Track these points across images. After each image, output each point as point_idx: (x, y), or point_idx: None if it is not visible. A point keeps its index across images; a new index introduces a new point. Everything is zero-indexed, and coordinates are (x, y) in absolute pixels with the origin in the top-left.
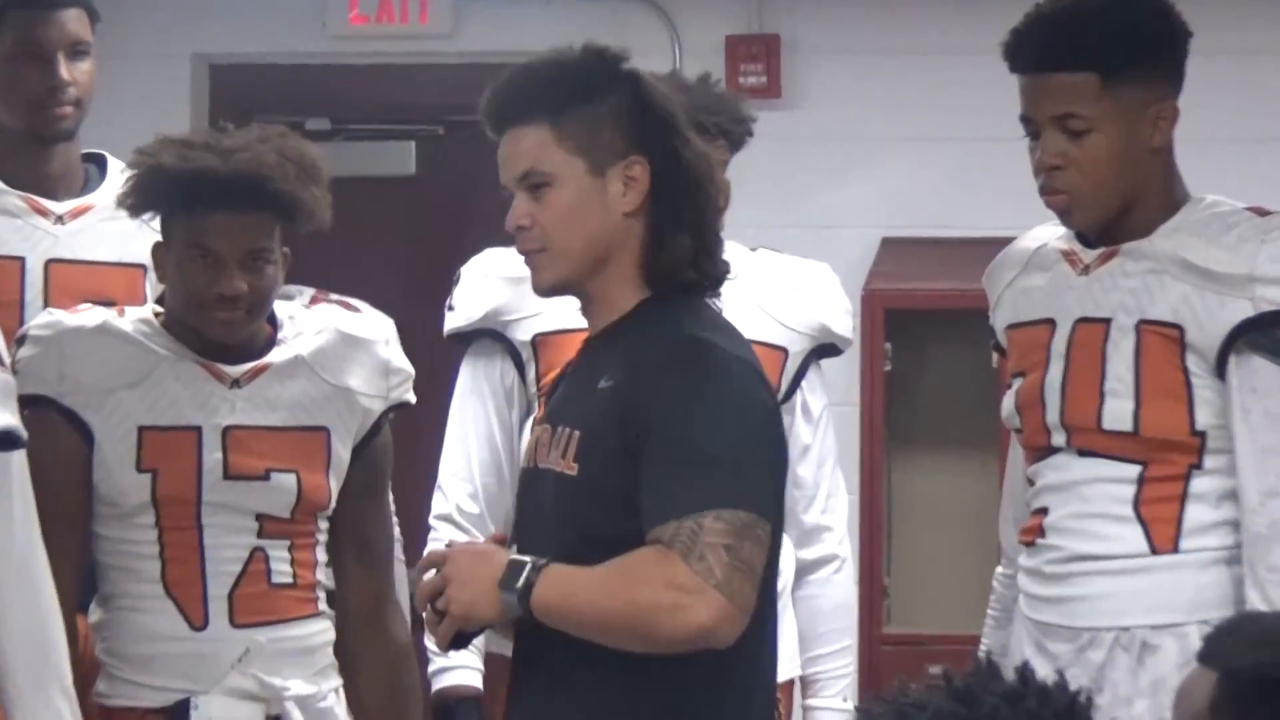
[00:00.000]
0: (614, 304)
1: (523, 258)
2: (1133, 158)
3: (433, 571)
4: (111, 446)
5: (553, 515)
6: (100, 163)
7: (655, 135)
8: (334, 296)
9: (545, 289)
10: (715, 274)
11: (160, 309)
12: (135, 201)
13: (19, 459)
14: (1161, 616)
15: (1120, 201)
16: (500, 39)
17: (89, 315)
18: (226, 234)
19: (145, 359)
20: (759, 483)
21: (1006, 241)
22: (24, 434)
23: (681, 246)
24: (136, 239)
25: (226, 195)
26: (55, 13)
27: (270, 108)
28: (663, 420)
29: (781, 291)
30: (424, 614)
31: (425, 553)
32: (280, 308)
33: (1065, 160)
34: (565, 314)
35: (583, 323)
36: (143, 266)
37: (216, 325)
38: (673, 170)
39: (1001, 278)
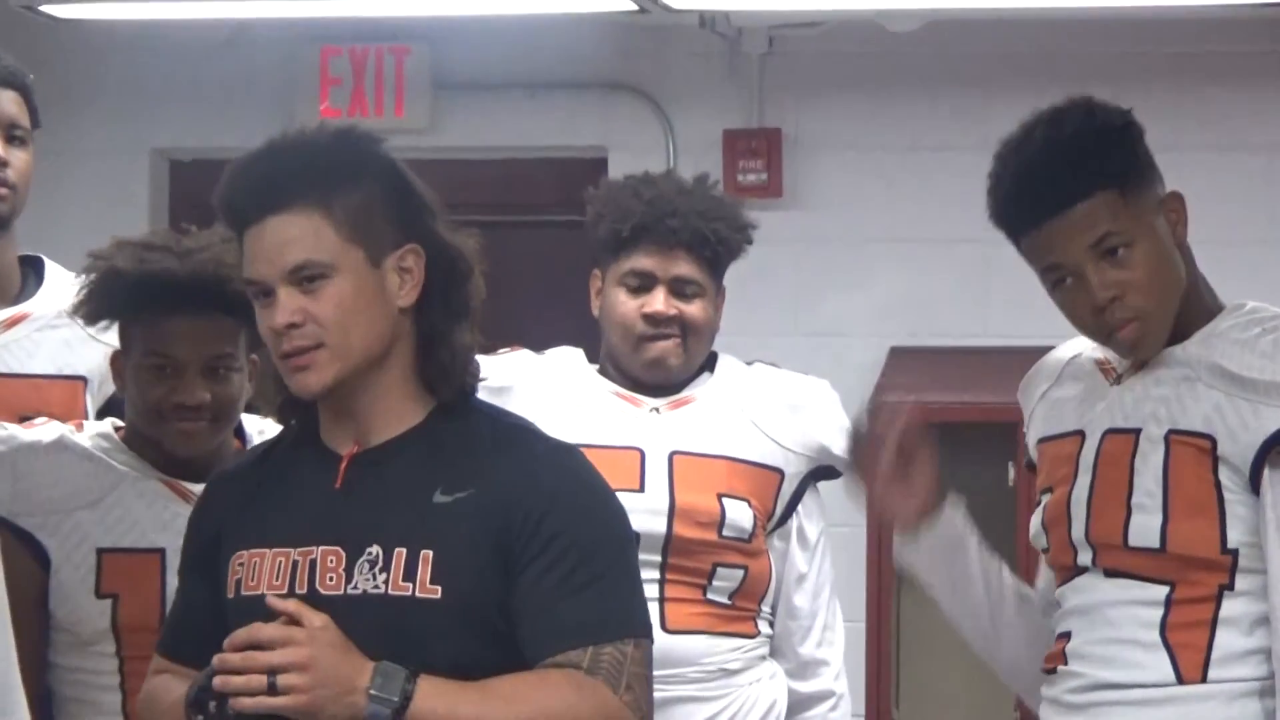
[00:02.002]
0: (395, 412)
1: (285, 360)
2: (1172, 259)
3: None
4: (69, 570)
5: (394, 643)
6: (37, 266)
7: (423, 222)
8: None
9: (318, 391)
10: (475, 377)
11: (120, 423)
12: (90, 309)
13: None
14: None
15: (1174, 310)
16: (481, 133)
17: (45, 430)
18: (186, 340)
19: (105, 476)
20: (646, 605)
21: (1020, 351)
22: None
23: (461, 342)
24: (76, 349)
25: (185, 299)
26: None
27: None
28: (552, 537)
29: (778, 410)
30: (218, 681)
31: (253, 627)
32: (249, 421)
33: (1121, 286)
34: None
35: None
36: (83, 379)
37: (177, 437)
38: (444, 261)
39: (1035, 391)
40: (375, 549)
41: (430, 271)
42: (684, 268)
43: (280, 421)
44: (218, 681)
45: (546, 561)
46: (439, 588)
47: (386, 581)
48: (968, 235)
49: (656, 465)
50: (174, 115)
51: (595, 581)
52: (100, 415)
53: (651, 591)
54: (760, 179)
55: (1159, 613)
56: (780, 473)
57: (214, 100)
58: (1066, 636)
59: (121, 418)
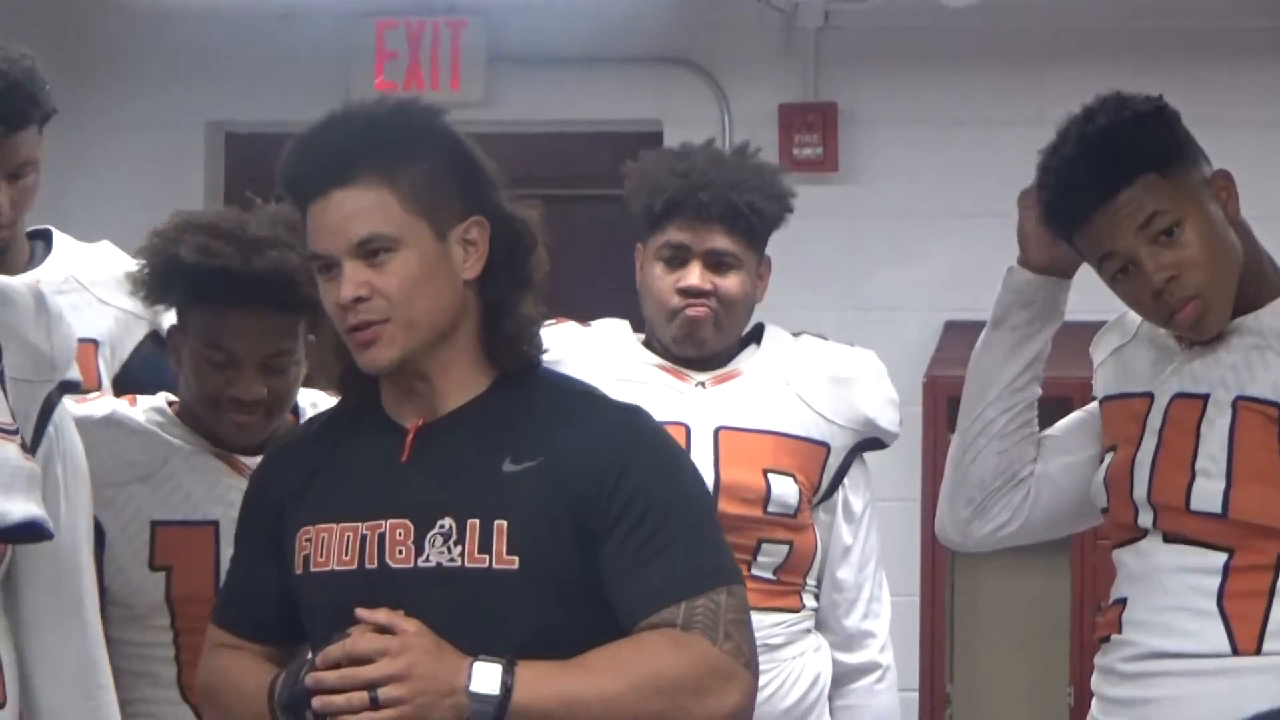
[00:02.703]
0: (460, 383)
1: (351, 334)
2: (1225, 237)
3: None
4: (123, 544)
5: (475, 616)
6: (46, 238)
7: (486, 194)
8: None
9: (386, 366)
10: (539, 348)
11: (173, 398)
12: (149, 295)
13: (87, 551)
14: None
15: (1235, 284)
16: (537, 107)
17: (97, 405)
18: (246, 336)
19: (157, 450)
20: (731, 553)
21: (1075, 325)
22: (50, 526)
23: (526, 315)
24: (84, 313)
25: (248, 295)
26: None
27: None
28: (630, 500)
29: (824, 383)
30: (318, 703)
31: (347, 642)
32: (303, 395)
33: (1176, 266)
34: None
35: None
36: (95, 342)
37: (232, 428)
38: (508, 233)
39: (1108, 344)
40: (447, 521)
41: (494, 243)
42: (719, 240)
43: (340, 394)
44: (317, 703)
45: (627, 525)
46: (516, 558)
47: (462, 554)
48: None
49: (702, 441)
50: (230, 88)
51: (677, 537)
52: (116, 384)
53: None
54: (815, 153)
55: (1216, 580)
56: (826, 446)
57: (270, 73)
58: (1122, 603)
59: (135, 387)
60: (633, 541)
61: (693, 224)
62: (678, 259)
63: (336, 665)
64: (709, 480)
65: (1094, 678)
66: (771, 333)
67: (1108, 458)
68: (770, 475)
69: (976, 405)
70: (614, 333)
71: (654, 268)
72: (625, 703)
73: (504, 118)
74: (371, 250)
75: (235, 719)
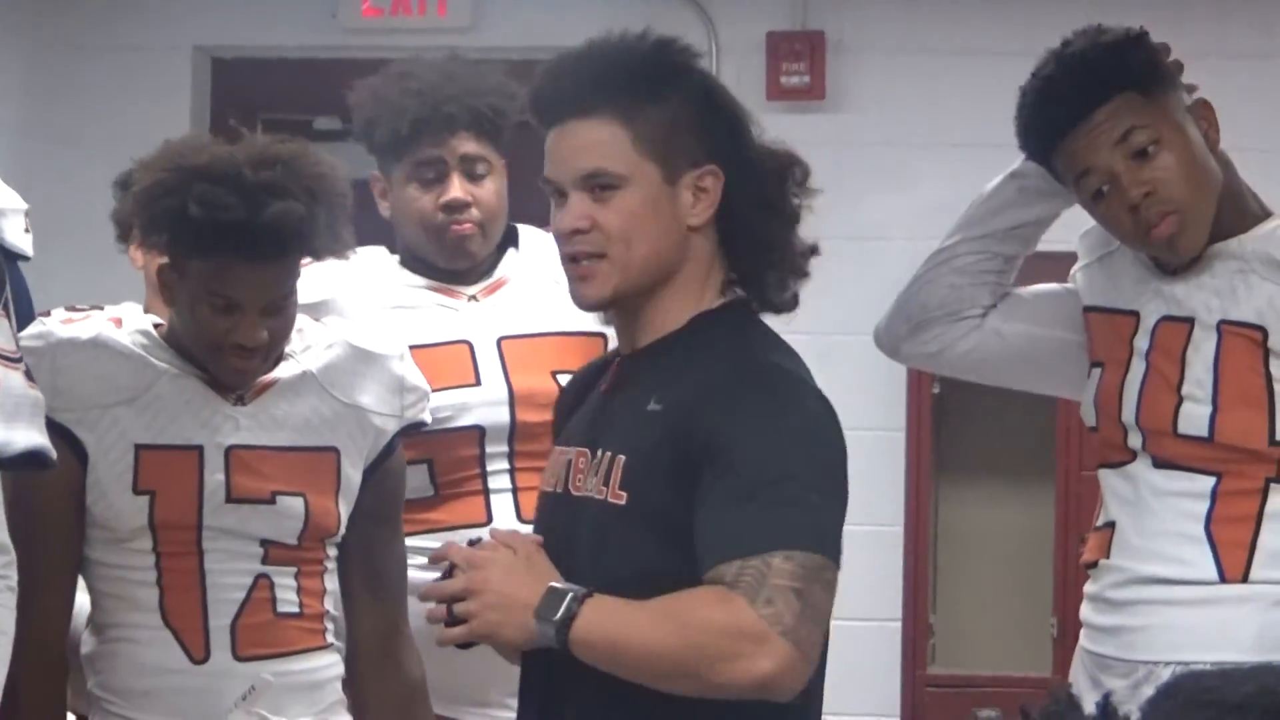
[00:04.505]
0: (663, 322)
1: (568, 267)
2: (1205, 159)
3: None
4: (106, 466)
5: (594, 546)
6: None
7: (728, 143)
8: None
9: (594, 302)
10: (780, 299)
11: (159, 321)
12: (155, 240)
13: None
14: (1222, 653)
15: (1213, 207)
16: (523, 33)
17: (83, 326)
18: (254, 286)
19: (143, 373)
20: (830, 524)
21: (1062, 256)
22: (54, 455)
23: (752, 267)
24: None
25: (255, 247)
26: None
27: (276, 104)
28: (727, 447)
29: None
30: (430, 608)
31: (449, 545)
32: None
33: (1153, 182)
34: None
35: None
36: None
37: (230, 372)
38: (746, 183)
39: (1096, 246)
40: (601, 452)
41: (734, 191)
42: (469, 146)
43: (606, 322)
44: (426, 612)
45: (714, 476)
46: (625, 494)
47: (594, 486)
48: (1009, 139)
49: (487, 355)
50: (216, 13)
51: (758, 494)
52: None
53: (504, 483)
54: (803, 81)
55: (1204, 505)
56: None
57: None
58: (1111, 527)
59: None
60: (717, 491)
61: (442, 137)
62: (434, 175)
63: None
64: (503, 394)
65: (1083, 606)
66: (526, 233)
67: (1095, 374)
68: (558, 376)
69: (954, 234)
70: (376, 261)
71: (408, 189)
72: (663, 651)
73: (490, 44)
74: (599, 184)
75: None
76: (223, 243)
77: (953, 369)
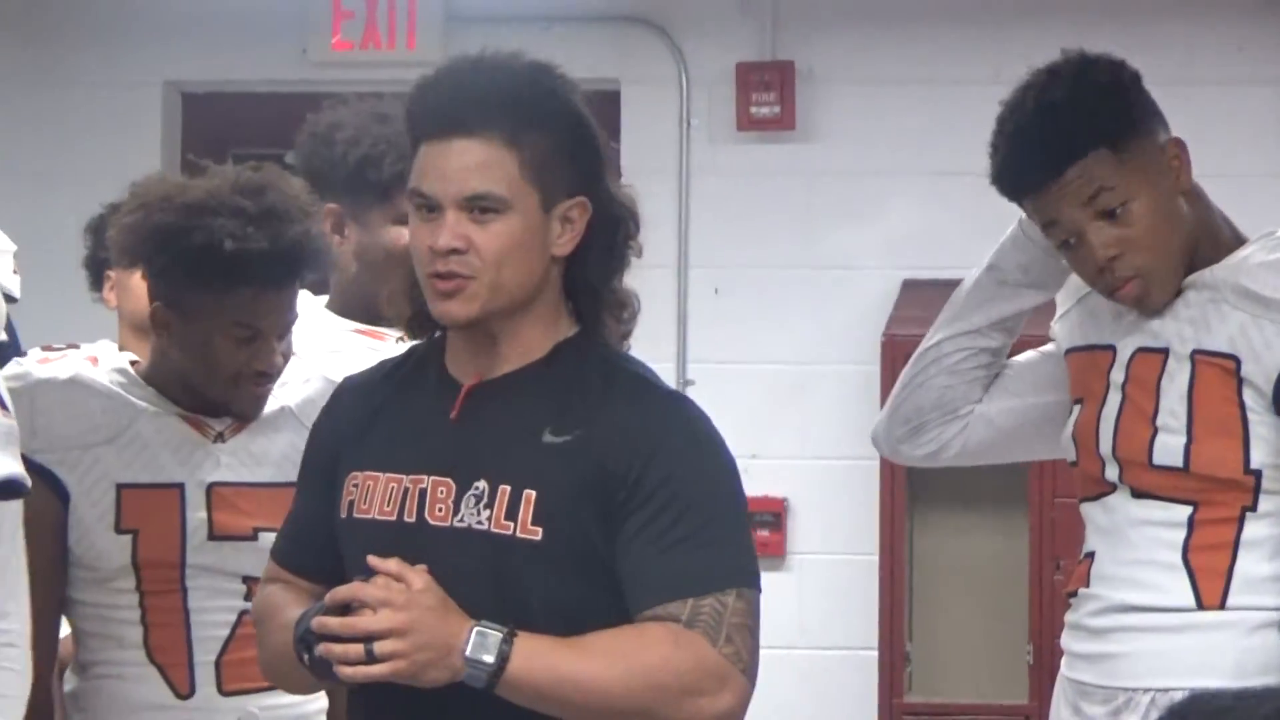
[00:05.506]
0: (522, 348)
1: (431, 282)
2: (1174, 210)
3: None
4: (88, 506)
5: (491, 581)
6: None
7: (594, 176)
8: (362, 327)
9: (461, 322)
10: (629, 325)
11: (135, 358)
12: (170, 283)
13: (13, 510)
14: (1202, 679)
15: (1183, 258)
16: None
17: (60, 366)
18: (274, 312)
19: (122, 412)
20: (754, 556)
21: None
22: (28, 482)
23: (589, 304)
24: None
25: (278, 273)
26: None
27: (246, 139)
28: (660, 486)
29: None
30: (320, 649)
31: (357, 586)
32: None
33: (1121, 244)
34: None
35: None
36: None
37: (249, 400)
38: (604, 219)
39: (1076, 290)
40: (482, 484)
41: (594, 225)
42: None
43: (410, 337)
44: (320, 649)
45: (649, 512)
46: (540, 529)
47: (490, 518)
48: (979, 168)
49: None
50: (186, 48)
51: (697, 533)
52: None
53: None
54: (773, 112)
55: (1181, 534)
56: None
57: (227, 33)
58: (1090, 557)
59: None
60: (652, 529)
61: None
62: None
63: (343, 609)
64: None
65: (1064, 634)
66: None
67: (1075, 411)
68: None
69: (938, 333)
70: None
71: (391, 230)
72: (616, 690)
73: None
74: (481, 207)
75: (273, 649)
76: (250, 273)
77: (954, 462)
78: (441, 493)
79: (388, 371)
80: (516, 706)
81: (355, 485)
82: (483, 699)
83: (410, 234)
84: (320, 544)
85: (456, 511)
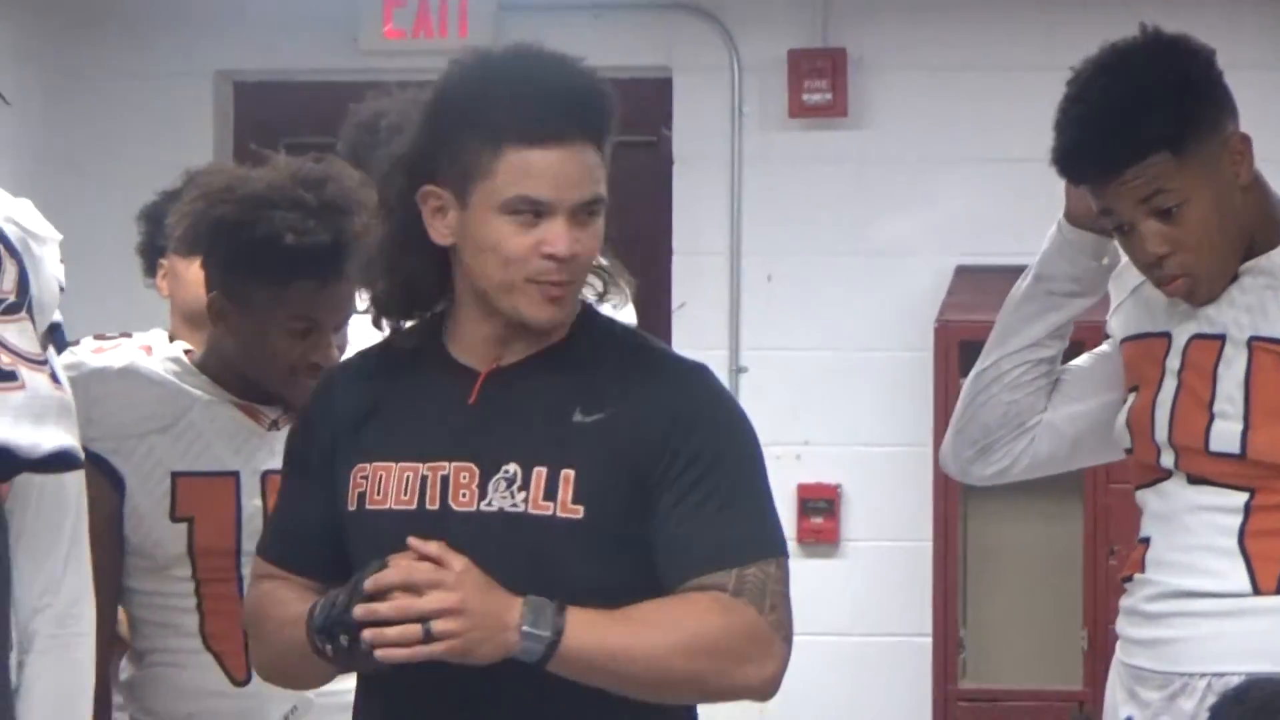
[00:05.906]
0: (545, 331)
1: (541, 288)
2: (1230, 208)
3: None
4: (143, 495)
5: (527, 562)
6: None
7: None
8: None
9: (558, 322)
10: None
11: (189, 347)
12: (231, 273)
13: (76, 484)
14: (1257, 664)
15: (1236, 254)
16: None
17: (114, 355)
18: (332, 304)
19: (177, 401)
20: (780, 523)
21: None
22: (80, 455)
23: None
24: None
25: (335, 267)
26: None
27: (298, 128)
28: (704, 457)
29: None
30: (369, 635)
31: (398, 564)
32: None
33: (1172, 244)
34: None
35: None
36: None
37: (303, 391)
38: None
39: (1129, 281)
40: (513, 467)
41: None
42: None
43: (390, 320)
44: (369, 634)
45: (685, 484)
46: (581, 508)
47: (526, 500)
48: (1032, 154)
49: None
50: (238, 38)
51: (736, 502)
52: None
53: None
54: (825, 99)
55: (1238, 520)
56: None
57: (278, 22)
58: (1146, 543)
59: None
60: (691, 500)
61: None
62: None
63: (380, 596)
64: None
65: (1119, 620)
66: None
67: (1130, 398)
68: None
69: (995, 351)
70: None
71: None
72: (668, 660)
73: None
74: (590, 211)
75: (275, 647)
76: (310, 266)
77: (1023, 476)
78: (464, 478)
79: (374, 363)
80: (548, 686)
81: (364, 477)
82: (519, 678)
83: (505, 238)
84: (316, 539)
85: (484, 496)
